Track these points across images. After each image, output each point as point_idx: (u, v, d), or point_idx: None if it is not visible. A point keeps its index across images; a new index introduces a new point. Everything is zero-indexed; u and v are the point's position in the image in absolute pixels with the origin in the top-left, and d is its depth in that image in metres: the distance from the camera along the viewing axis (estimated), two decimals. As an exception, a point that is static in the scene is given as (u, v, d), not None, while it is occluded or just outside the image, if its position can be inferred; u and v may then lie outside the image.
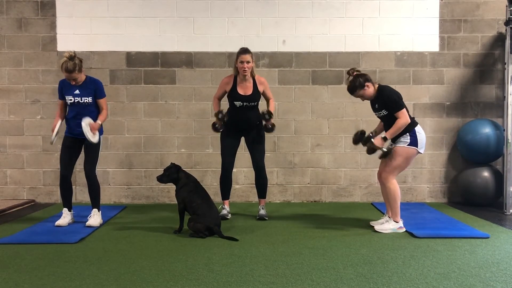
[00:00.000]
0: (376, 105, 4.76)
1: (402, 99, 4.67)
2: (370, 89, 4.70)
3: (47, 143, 6.38)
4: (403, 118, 4.57)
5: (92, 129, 4.83)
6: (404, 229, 4.72)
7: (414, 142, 4.62)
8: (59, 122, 4.98)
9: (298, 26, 6.42)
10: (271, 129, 5.22)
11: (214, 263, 3.68)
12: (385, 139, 4.65)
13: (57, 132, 4.93)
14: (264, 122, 5.22)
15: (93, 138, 4.85)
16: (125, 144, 6.43)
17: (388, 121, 4.71)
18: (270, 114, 5.18)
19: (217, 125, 5.19)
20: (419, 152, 4.67)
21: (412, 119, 4.68)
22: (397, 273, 3.46)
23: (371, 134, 4.85)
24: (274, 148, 6.43)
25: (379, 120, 4.96)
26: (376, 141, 4.68)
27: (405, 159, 4.65)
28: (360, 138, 4.88)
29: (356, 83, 4.70)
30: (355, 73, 4.73)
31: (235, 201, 6.34)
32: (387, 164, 4.71)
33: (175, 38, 6.41)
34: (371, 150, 4.74)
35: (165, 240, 4.42)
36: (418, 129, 4.67)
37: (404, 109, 4.60)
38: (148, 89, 6.43)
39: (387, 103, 4.63)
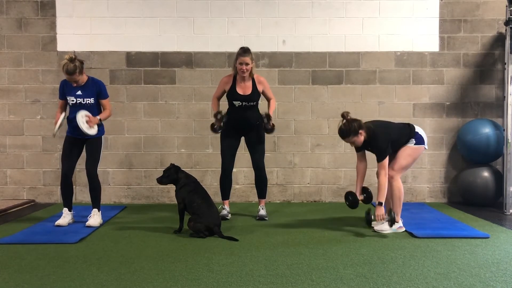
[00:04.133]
0: (369, 148, 4.77)
1: (395, 131, 4.70)
2: (362, 137, 4.62)
3: (47, 143, 6.39)
4: (383, 174, 4.59)
5: (89, 121, 4.82)
6: (404, 229, 4.73)
7: (420, 141, 4.74)
8: (63, 114, 4.96)
9: (298, 26, 6.42)
10: (270, 130, 5.22)
11: (214, 263, 3.68)
12: (380, 204, 4.61)
13: (60, 125, 4.93)
14: (264, 123, 5.21)
15: (89, 130, 4.82)
16: (125, 144, 6.43)
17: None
18: (269, 117, 5.14)
19: (215, 126, 5.18)
20: (425, 148, 4.81)
21: (408, 128, 4.75)
22: (397, 273, 3.46)
23: (355, 195, 4.80)
24: (274, 148, 6.43)
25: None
26: (378, 211, 4.61)
27: (414, 158, 4.77)
28: (354, 204, 4.80)
29: (351, 128, 4.56)
30: (349, 117, 4.60)
31: (235, 201, 6.34)
32: (396, 163, 4.74)
33: (175, 38, 6.41)
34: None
35: (165, 240, 4.42)
36: (418, 129, 4.79)
37: (386, 160, 4.59)
38: (148, 89, 6.43)
39: (378, 149, 4.64)
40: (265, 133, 5.30)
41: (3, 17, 6.38)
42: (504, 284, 3.24)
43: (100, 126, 5.03)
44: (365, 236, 4.55)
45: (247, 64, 5.06)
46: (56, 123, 4.94)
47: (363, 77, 6.45)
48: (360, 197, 4.81)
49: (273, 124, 5.19)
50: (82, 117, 4.79)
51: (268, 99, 5.35)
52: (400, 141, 4.72)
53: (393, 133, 4.70)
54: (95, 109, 4.96)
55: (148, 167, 6.44)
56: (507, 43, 5.84)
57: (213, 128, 5.20)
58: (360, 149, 4.82)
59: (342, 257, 3.85)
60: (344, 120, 4.59)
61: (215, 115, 5.17)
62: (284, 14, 6.41)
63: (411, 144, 4.72)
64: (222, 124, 5.15)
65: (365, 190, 4.88)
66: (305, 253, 3.97)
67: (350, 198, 4.81)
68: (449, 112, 6.48)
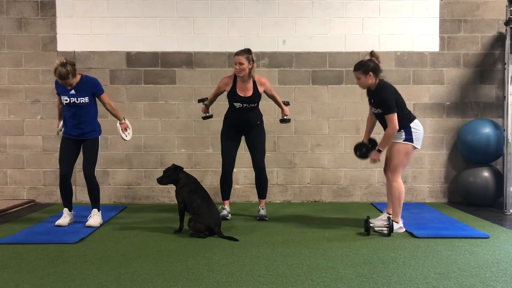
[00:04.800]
0: (372, 100, 4.76)
1: (400, 100, 4.64)
2: (368, 81, 4.60)
3: (47, 143, 6.39)
4: (391, 126, 4.53)
5: (123, 130, 5.22)
6: (404, 230, 4.72)
7: (409, 138, 4.62)
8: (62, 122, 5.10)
9: (298, 26, 6.42)
10: (288, 120, 5.53)
11: (214, 263, 3.68)
12: (379, 151, 4.68)
13: (62, 126, 5.05)
14: (282, 116, 5.50)
15: (127, 137, 5.31)
16: (125, 144, 6.42)
17: (381, 120, 4.74)
18: (287, 104, 5.52)
19: (206, 114, 5.48)
20: (416, 148, 4.67)
21: (408, 114, 4.67)
22: (397, 273, 3.46)
23: (369, 147, 4.89)
24: (274, 148, 6.43)
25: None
26: (374, 155, 4.74)
27: (404, 155, 4.65)
28: (364, 153, 4.90)
29: (365, 64, 4.59)
30: (373, 58, 4.61)
31: (235, 201, 6.34)
32: (389, 164, 4.73)
33: (175, 38, 6.41)
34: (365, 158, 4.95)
35: (165, 240, 4.42)
36: (414, 124, 4.65)
37: (395, 114, 4.52)
38: (148, 89, 6.43)
39: (382, 102, 4.60)
40: (282, 123, 5.57)
41: (3, 17, 6.38)
42: (504, 284, 3.24)
43: (97, 125, 5.04)
44: (365, 236, 4.55)
45: (240, 64, 5.03)
46: (59, 123, 5.11)
47: (363, 77, 6.44)
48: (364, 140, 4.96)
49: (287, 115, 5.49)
50: (119, 129, 5.22)
51: (273, 97, 5.37)
52: (399, 115, 4.58)
53: (400, 99, 4.64)
54: (90, 107, 4.94)
55: (148, 167, 6.44)
56: (507, 43, 5.84)
57: (204, 117, 5.53)
58: (372, 103, 4.79)
59: (342, 257, 3.85)
60: (367, 56, 4.64)
61: (198, 100, 5.52)
62: (284, 14, 6.41)
63: (400, 140, 4.62)
64: (208, 108, 5.46)
65: (371, 141, 4.95)
66: (305, 253, 3.97)
67: (364, 149, 4.87)
68: (449, 112, 6.48)
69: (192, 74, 6.43)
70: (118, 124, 5.22)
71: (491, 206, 6.10)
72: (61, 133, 5.07)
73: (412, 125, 4.63)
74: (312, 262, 3.72)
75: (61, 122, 5.05)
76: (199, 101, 5.53)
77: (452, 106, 6.48)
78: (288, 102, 5.60)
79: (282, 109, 5.46)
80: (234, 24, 6.40)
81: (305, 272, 3.48)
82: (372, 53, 4.65)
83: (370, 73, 4.57)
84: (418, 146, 4.69)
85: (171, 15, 6.39)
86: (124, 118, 5.27)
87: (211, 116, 5.54)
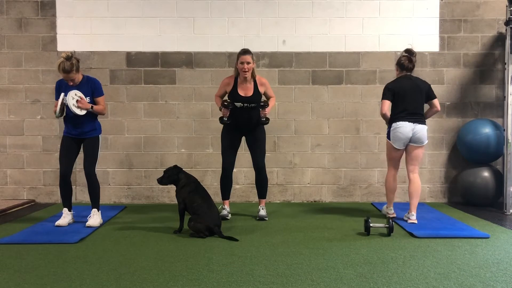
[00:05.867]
0: None
1: (399, 98, 5.11)
2: (396, 72, 5.34)
3: (47, 143, 6.39)
4: (381, 108, 5.22)
5: (79, 102, 4.78)
6: (415, 221, 5.09)
7: (388, 135, 5.21)
8: (62, 95, 4.79)
9: (298, 26, 6.42)
10: (264, 121, 5.26)
11: (214, 263, 3.68)
12: None
13: (62, 105, 4.80)
14: (260, 113, 5.24)
15: (77, 109, 4.78)
16: (125, 144, 6.43)
17: None
18: (265, 104, 5.25)
19: (224, 118, 5.23)
20: (394, 146, 5.13)
21: (396, 114, 5.10)
22: (397, 273, 3.46)
23: None
24: (274, 148, 6.43)
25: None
26: None
27: (388, 150, 5.28)
28: None
29: (399, 58, 5.32)
30: (405, 54, 5.23)
31: (235, 201, 6.34)
32: None
33: (175, 38, 6.41)
34: None
35: (165, 240, 4.42)
36: (395, 125, 5.09)
37: (384, 101, 5.15)
38: (148, 89, 6.43)
39: None
40: (261, 125, 5.31)
41: (3, 17, 6.38)
42: (504, 284, 3.24)
43: (97, 124, 5.04)
44: (365, 236, 4.55)
45: (248, 63, 5.07)
46: (56, 105, 4.84)
47: (363, 77, 6.45)
48: None
49: (266, 116, 5.24)
50: (74, 95, 4.77)
51: (269, 98, 5.35)
52: (392, 111, 5.18)
53: (400, 98, 5.10)
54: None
55: (148, 167, 6.44)
56: (507, 43, 5.84)
57: (222, 119, 5.27)
58: None
59: (342, 257, 3.85)
60: (407, 54, 5.22)
61: (222, 104, 5.20)
62: (284, 14, 6.41)
63: (387, 135, 5.23)
64: (229, 111, 5.21)
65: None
66: (305, 253, 3.97)
67: None
68: (449, 112, 6.48)
69: (192, 74, 6.43)
70: (76, 93, 4.82)
71: (491, 206, 6.10)
72: (61, 119, 4.97)
73: (393, 125, 5.10)
74: (312, 262, 3.72)
75: (59, 101, 4.79)
76: (225, 106, 5.20)
77: (452, 106, 6.48)
78: (266, 104, 5.31)
79: (267, 106, 5.27)
80: (234, 24, 6.40)
81: (305, 272, 3.48)
82: (406, 50, 5.24)
83: (396, 65, 5.29)
84: (396, 146, 5.12)
85: (171, 15, 6.39)
86: (92, 107, 4.89)
87: (228, 121, 5.29)
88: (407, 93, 5.07)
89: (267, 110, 5.26)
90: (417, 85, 5.12)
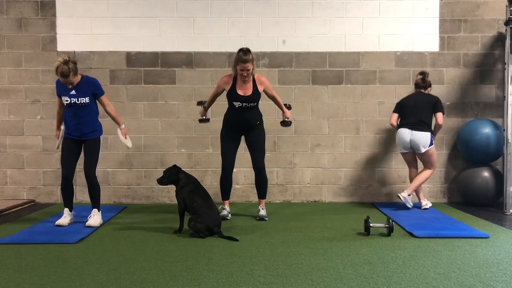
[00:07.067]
0: None
1: (404, 110, 5.84)
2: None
3: (47, 143, 6.39)
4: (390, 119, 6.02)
5: (124, 135, 5.19)
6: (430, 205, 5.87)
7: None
8: (62, 127, 5.05)
9: (298, 26, 6.42)
10: (289, 124, 5.54)
11: (214, 263, 3.68)
12: None
13: (62, 137, 5.05)
14: (284, 119, 5.49)
15: (129, 143, 5.28)
16: (125, 144, 6.42)
17: None
18: (288, 121, 5.51)
19: (203, 116, 5.50)
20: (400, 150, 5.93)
21: (399, 125, 5.82)
22: (397, 273, 3.46)
23: None
24: (274, 148, 6.43)
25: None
26: None
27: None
28: None
29: (416, 79, 6.00)
30: (419, 75, 5.93)
31: (235, 201, 6.34)
32: None
33: (175, 38, 6.41)
34: None
35: (165, 240, 4.42)
36: (397, 132, 5.84)
37: (392, 113, 5.94)
38: (148, 89, 6.43)
39: None
40: (282, 126, 5.56)
41: (3, 17, 6.38)
42: (504, 284, 3.24)
43: (98, 125, 5.05)
44: (365, 236, 4.55)
45: (248, 70, 5.04)
46: (57, 137, 5.11)
47: (363, 77, 6.45)
48: None
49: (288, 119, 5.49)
50: (120, 135, 5.22)
51: (273, 98, 5.35)
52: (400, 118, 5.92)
53: (406, 110, 5.80)
54: (91, 108, 4.94)
55: (148, 167, 6.44)
56: (507, 43, 5.84)
57: (201, 120, 5.55)
58: None
59: (342, 257, 3.85)
60: (421, 75, 5.91)
61: (197, 103, 5.53)
62: (284, 14, 6.41)
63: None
64: (206, 111, 5.49)
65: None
66: (305, 253, 3.97)
67: None
68: (449, 112, 6.48)
69: (192, 74, 6.43)
70: (118, 130, 5.21)
71: (491, 206, 6.10)
72: (61, 146, 5.09)
73: (397, 132, 5.85)
74: (312, 262, 3.72)
75: (60, 134, 5.05)
76: (198, 103, 5.54)
77: (452, 106, 6.48)
78: (290, 105, 5.58)
79: (283, 112, 5.44)
80: (234, 24, 6.40)
81: (305, 272, 3.48)
82: (420, 72, 5.94)
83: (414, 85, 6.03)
84: (399, 149, 5.93)
85: (171, 15, 6.39)
86: (123, 123, 5.28)
87: (207, 120, 5.58)
88: (412, 106, 5.76)
89: (287, 113, 5.44)
90: (425, 100, 5.78)
